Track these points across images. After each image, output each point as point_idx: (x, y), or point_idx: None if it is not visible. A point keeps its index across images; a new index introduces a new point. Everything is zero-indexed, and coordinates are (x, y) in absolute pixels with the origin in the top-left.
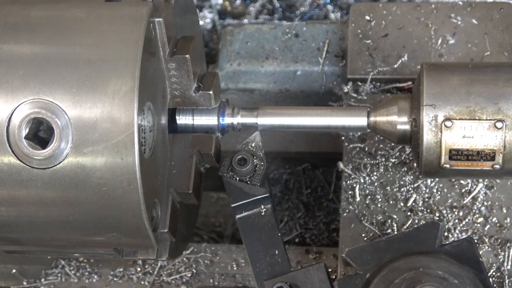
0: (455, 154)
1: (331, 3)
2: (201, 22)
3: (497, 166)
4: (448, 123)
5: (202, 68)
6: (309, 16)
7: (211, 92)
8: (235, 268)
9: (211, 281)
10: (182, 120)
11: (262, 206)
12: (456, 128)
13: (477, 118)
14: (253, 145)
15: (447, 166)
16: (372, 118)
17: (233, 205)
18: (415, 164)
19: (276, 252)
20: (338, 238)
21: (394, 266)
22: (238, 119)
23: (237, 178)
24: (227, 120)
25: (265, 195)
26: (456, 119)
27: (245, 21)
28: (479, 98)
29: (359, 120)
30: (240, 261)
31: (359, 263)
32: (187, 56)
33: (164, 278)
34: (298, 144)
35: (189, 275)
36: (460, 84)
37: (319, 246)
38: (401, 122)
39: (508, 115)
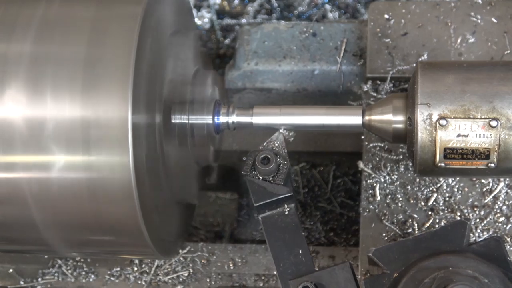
0: (450, 153)
1: (329, 3)
2: (199, 22)
3: (492, 165)
4: (443, 122)
5: (199, 67)
6: (307, 15)
7: (207, 90)
8: (231, 268)
9: (208, 280)
10: (178, 119)
11: (286, 206)
12: (451, 126)
13: (471, 116)
14: (276, 144)
15: (442, 164)
16: (367, 117)
17: (257, 204)
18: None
19: (300, 252)
20: (335, 238)
21: (423, 265)
22: (233, 118)
23: (260, 177)
24: (222, 119)
25: (289, 194)
26: (450, 118)
27: (243, 20)
28: (474, 97)
29: (354, 119)
30: (237, 261)
31: (386, 262)
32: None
33: (161, 278)
34: (295, 143)
35: (186, 274)
36: (455, 83)
37: (316, 245)
38: (396, 121)
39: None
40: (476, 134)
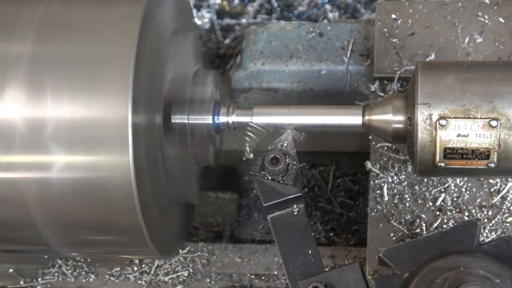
0: (450, 153)
1: (329, 3)
2: (199, 22)
3: (492, 165)
4: (443, 122)
5: (199, 67)
6: (307, 15)
7: (207, 90)
8: (231, 268)
9: (208, 280)
10: (178, 119)
11: (295, 206)
12: (451, 126)
13: (471, 116)
14: (285, 144)
15: (442, 164)
16: (367, 117)
17: (266, 204)
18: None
19: (309, 252)
20: (335, 238)
21: (434, 265)
22: (233, 118)
23: (269, 178)
24: (222, 119)
25: (298, 195)
26: (450, 118)
27: (243, 20)
28: (474, 97)
29: (354, 119)
30: (237, 261)
31: (396, 262)
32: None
33: (161, 278)
34: (295, 143)
35: (186, 274)
36: (455, 83)
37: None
38: (396, 121)
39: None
40: (476, 134)
